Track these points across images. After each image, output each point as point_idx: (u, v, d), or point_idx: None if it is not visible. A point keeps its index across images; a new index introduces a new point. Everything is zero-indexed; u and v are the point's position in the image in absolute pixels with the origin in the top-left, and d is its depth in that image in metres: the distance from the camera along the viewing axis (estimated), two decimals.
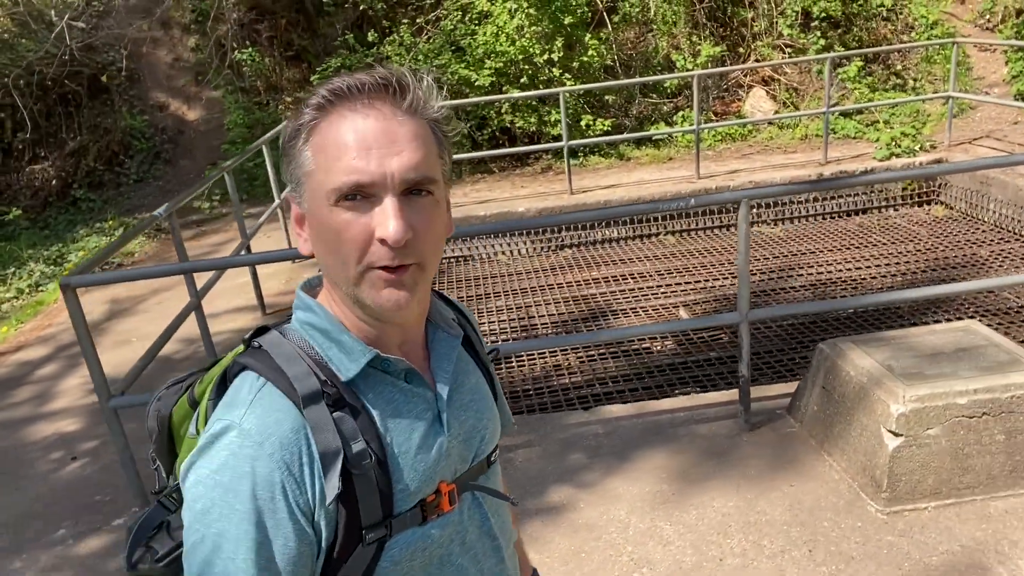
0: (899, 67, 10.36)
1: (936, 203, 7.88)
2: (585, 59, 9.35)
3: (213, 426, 0.85)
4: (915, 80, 10.18)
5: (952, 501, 2.90)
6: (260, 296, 5.61)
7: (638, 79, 9.10)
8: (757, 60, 10.28)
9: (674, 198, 3.11)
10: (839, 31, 10.58)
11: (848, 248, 7.02)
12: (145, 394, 3.95)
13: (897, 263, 6.54)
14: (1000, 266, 6.23)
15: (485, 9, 9.44)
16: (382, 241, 0.83)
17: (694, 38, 10.05)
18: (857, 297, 4.18)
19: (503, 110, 9.40)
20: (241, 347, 0.94)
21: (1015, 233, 6.80)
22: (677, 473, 3.29)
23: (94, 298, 6.67)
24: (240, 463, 0.82)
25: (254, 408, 0.85)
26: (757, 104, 10.21)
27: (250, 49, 11.29)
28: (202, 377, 1.01)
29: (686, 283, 6.60)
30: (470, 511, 1.01)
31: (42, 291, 7.19)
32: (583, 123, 9.46)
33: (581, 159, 9.54)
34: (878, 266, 6.52)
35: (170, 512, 1.01)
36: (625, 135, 9.02)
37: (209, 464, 0.83)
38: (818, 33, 9.82)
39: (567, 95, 9.23)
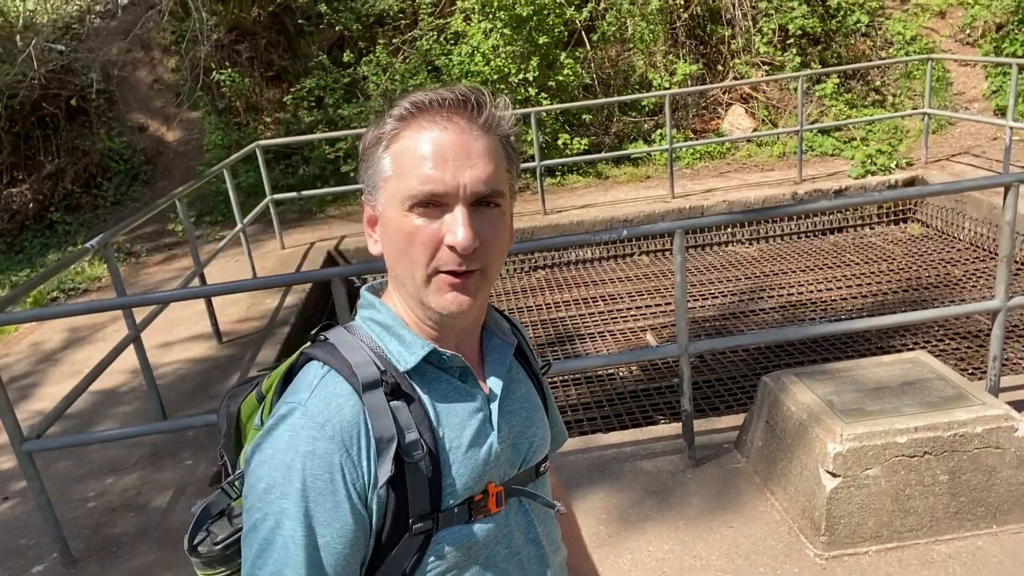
0: (879, 83, 10.30)
1: (913, 221, 7.79)
2: (561, 78, 9.29)
3: (279, 409, 0.90)
4: (895, 96, 10.11)
5: (894, 545, 2.78)
6: (215, 325, 5.49)
7: (611, 99, 9.04)
8: (735, 78, 10.22)
9: (607, 230, 3.00)
10: (819, 48, 10.54)
11: (821, 268, 6.92)
12: (63, 437, 3.83)
13: (869, 284, 6.43)
14: (973, 286, 6.12)
15: (461, 29, 9.39)
16: (451, 247, 0.88)
17: (671, 56, 9.99)
18: (798, 327, 4.08)
19: None
20: (309, 343, 0.99)
21: (990, 252, 6.69)
22: (616, 513, 3.17)
23: (54, 325, 6.56)
24: (302, 443, 0.86)
25: (318, 392, 0.89)
26: (736, 122, 10.14)
27: (229, 70, 11.23)
28: (269, 374, 1.05)
29: (656, 305, 6.49)
30: (516, 516, 1.02)
31: None
32: (560, 142, 9.39)
33: (559, 178, 9.46)
34: (849, 287, 6.41)
35: (232, 499, 1.05)
36: (598, 155, 8.95)
37: (274, 444, 0.87)
38: (795, 50, 9.76)
39: (544, 114, 9.19)
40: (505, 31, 9.00)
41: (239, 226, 6.44)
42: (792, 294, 6.41)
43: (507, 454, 1.01)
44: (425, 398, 0.94)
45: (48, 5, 12.85)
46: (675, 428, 3.74)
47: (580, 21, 10.13)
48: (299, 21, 10.56)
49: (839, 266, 6.91)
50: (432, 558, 0.92)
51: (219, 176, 10.67)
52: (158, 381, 5.04)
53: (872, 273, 6.65)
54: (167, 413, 4.46)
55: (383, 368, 0.92)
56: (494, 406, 1.00)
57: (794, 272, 6.91)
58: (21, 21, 10.61)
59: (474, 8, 9.33)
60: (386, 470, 0.87)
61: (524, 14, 8.90)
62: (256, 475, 0.88)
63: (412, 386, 0.94)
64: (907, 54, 9.87)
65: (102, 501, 3.71)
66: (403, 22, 10.02)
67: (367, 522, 0.89)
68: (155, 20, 12.48)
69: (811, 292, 6.41)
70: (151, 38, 12.60)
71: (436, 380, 0.96)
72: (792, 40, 10.02)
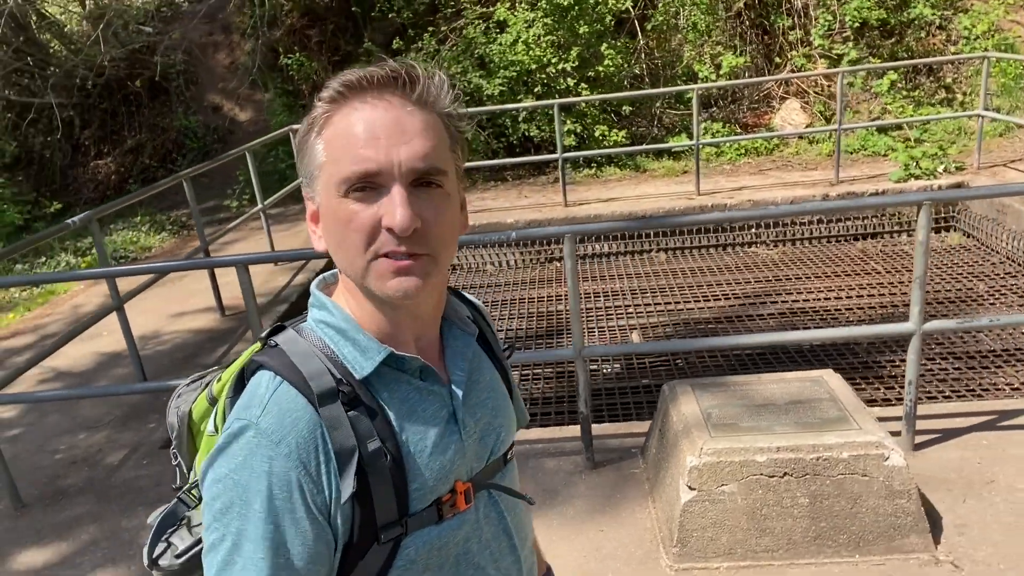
0: (949, 80, 9.66)
1: (955, 230, 7.33)
2: (601, 69, 9.21)
3: (231, 425, 0.86)
4: (965, 95, 9.47)
5: (747, 563, 2.75)
6: (219, 298, 5.87)
7: (636, 92, 8.94)
8: (792, 70, 9.83)
9: (496, 231, 3.07)
10: (891, 41, 9.98)
11: (839, 276, 6.64)
12: (21, 393, 4.23)
13: (882, 295, 6.14)
14: (992, 303, 5.74)
15: (505, 18, 9.46)
16: (388, 229, 0.84)
17: (719, 47, 9.71)
18: (695, 340, 3.99)
19: (520, 118, 9.40)
20: (258, 345, 0.95)
21: None
22: None
23: (99, 290, 7.15)
24: (258, 462, 0.83)
25: (271, 408, 0.85)
26: (788, 116, 9.77)
27: (297, 54, 11.73)
28: (220, 375, 1.02)
29: (655, 304, 6.43)
30: (486, 509, 1.00)
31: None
32: (598, 133, 9.33)
33: (595, 169, 9.42)
34: (860, 296, 6.14)
35: (189, 508, 1.03)
36: (617, 148, 8.85)
37: (228, 463, 0.84)
38: (851, 44, 9.29)
39: (583, 104, 9.16)
40: (546, 20, 9.01)
41: (258, 207, 6.81)
42: (798, 301, 6.20)
43: (474, 448, 0.98)
44: (385, 403, 0.90)
45: None
46: (595, 429, 3.76)
47: (632, 10, 9.99)
48: (353, 9, 10.88)
49: (859, 274, 6.62)
50: (401, 562, 0.90)
51: (279, 157, 11.28)
52: (159, 347, 5.49)
53: (890, 284, 6.33)
54: (152, 377, 4.85)
55: (339, 376, 0.88)
56: (458, 402, 0.96)
57: (809, 278, 6.66)
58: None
59: None
60: (349, 484, 0.85)
61: (565, 3, 8.87)
62: (212, 493, 0.85)
63: (370, 393, 0.90)
64: (978, 49, 9.21)
65: (69, 454, 4.10)
66: (449, 10, 10.16)
67: (330, 537, 0.86)
68: (236, 4, 13.15)
69: (819, 300, 6.18)
70: (232, 22, 13.30)
71: (395, 382, 0.92)
72: (850, 32, 9.55)
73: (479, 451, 0.99)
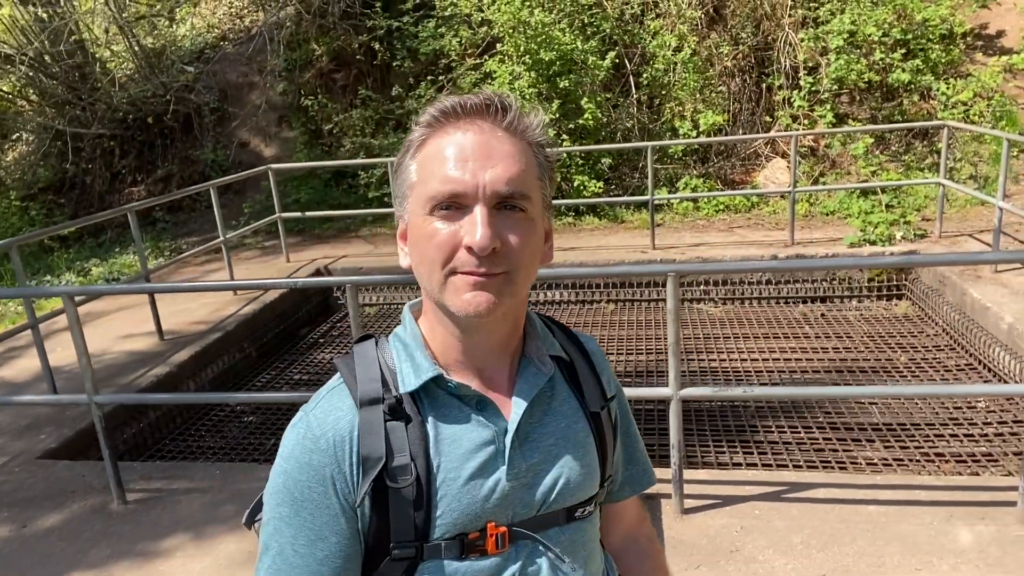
0: (941, 146, 9.48)
1: (905, 299, 7.19)
2: (581, 122, 9.48)
3: (298, 413, 0.95)
4: (956, 160, 9.28)
5: None
6: (158, 323, 6.33)
7: (593, 146, 9.14)
8: (779, 130, 9.85)
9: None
10: (893, 103, 9.90)
11: (769, 337, 6.61)
12: None
13: (799, 359, 6.10)
14: (902, 376, 5.64)
15: (493, 70, 9.86)
16: (468, 248, 0.86)
17: (699, 106, 9.84)
18: None
19: None
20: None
21: (955, 341, 6.09)
22: None
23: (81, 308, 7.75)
24: (301, 454, 0.90)
25: (323, 403, 0.93)
26: (773, 175, 9.77)
27: (319, 97, 12.44)
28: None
29: None
30: (526, 562, 0.95)
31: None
32: (577, 184, 9.56)
33: (574, 218, 9.64)
34: (777, 360, 6.11)
35: None
36: (573, 200, 9.06)
37: (282, 450, 0.92)
38: (827, 106, 9.27)
39: (564, 155, 9.44)
40: (529, 74, 9.36)
41: (220, 239, 7.31)
42: (715, 360, 6.22)
43: (519, 493, 0.94)
44: (430, 422, 0.91)
45: (193, 31, 14.93)
46: None
47: (628, 65, 10.25)
48: (358, 57, 11.48)
49: (790, 337, 6.57)
50: None
51: (269, 194, 11.93)
52: (93, 365, 5.94)
53: (813, 348, 6.28)
54: (69, 391, 5.29)
55: (389, 386, 0.91)
56: (508, 439, 0.93)
57: (740, 338, 6.66)
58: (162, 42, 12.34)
59: (509, 52, 9.77)
60: (364, 490, 0.87)
61: (547, 59, 9.21)
62: (271, 475, 0.92)
63: (417, 408, 0.91)
64: (973, 115, 9.05)
65: None
66: (443, 62, 10.67)
67: (358, 528, 0.90)
68: (272, 49, 14.06)
69: (737, 360, 6.18)
70: (267, 65, 14.20)
71: (447, 407, 0.92)
72: (851, 93, 9.54)
73: (525, 498, 0.94)
